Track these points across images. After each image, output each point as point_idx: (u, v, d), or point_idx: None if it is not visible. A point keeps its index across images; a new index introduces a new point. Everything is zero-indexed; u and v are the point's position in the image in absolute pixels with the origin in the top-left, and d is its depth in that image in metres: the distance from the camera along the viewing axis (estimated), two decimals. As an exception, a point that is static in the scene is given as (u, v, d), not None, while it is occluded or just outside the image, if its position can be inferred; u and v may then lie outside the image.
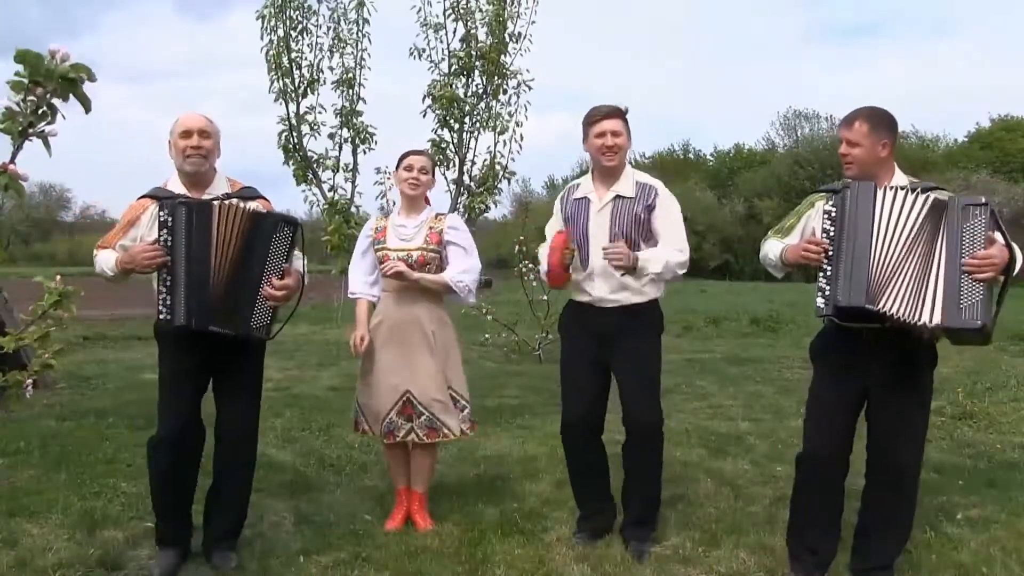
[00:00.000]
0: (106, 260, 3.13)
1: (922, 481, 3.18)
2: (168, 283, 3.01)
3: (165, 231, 3.00)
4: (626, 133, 3.50)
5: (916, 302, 2.74)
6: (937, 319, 2.72)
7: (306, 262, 3.33)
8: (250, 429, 3.37)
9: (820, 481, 3.11)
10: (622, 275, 3.36)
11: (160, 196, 3.12)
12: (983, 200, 2.77)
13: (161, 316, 3.03)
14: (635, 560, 3.34)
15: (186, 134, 3.14)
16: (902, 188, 2.84)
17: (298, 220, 3.16)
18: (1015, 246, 2.77)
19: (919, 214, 2.77)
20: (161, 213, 3.01)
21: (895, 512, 3.08)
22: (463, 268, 3.65)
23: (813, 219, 3.11)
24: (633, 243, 3.40)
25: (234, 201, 3.12)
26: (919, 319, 2.74)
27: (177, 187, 3.19)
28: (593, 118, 3.49)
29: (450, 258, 3.68)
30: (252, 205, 3.19)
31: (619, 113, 3.49)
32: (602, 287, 3.47)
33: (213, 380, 3.29)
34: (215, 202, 3.08)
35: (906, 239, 2.76)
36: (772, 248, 3.17)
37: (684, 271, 3.47)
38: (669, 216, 3.49)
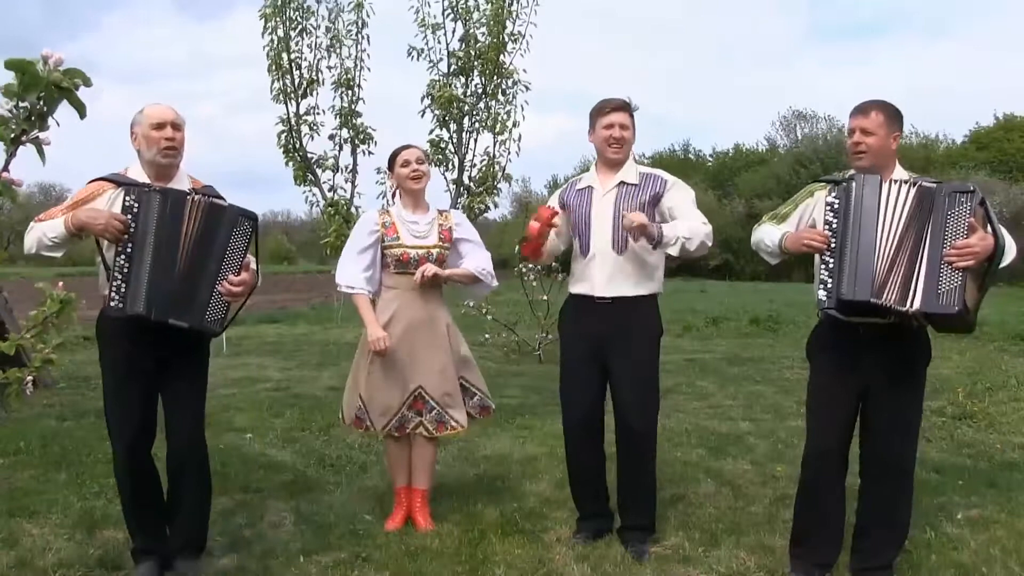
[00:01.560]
0: (48, 225, 2.93)
1: (922, 481, 3.20)
2: (126, 270, 2.90)
3: (130, 216, 2.90)
4: (632, 128, 3.54)
5: (906, 290, 2.76)
6: (917, 304, 2.74)
7: (259, 265, 3.23)
8: (198, 435, 3.23)
9: (825, 479, 3.12)
10: (654, 247, 3.36)
11: (122, 182, 3.03)
12: (971, 187, 2.78)
13: (112, 303, 2.90)
14: (635, 560, 3.34)
15: (160, 126, 3.07)
16: (905, 182, 2.85)
17: (256, 215, 3.10)
18: (1006, 236, 2.79)
19: (912, 204, 2.79)
20: (127, 198, 2.91)
21: (894, 510, 3.09)
22: (482, 258, 3.75)
23: (813, 209, 3.10)
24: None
25: (198, 195, 3.05)
26: (906, 306, 2.76)
27: (139, 176, 3.09)
28: (603, 110, 3.52)
29: (464, 252, 3.76)
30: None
31: (628, 107, 3.54)
32: (601, 272, 3.47)
33: (159, 384, 3.16)
34: (188, 193, 3.01)
35: (902, 230, 2.78)
36: (769, 233, 3.15)
37: (711, 244, 3.44)
38: (687, 198, 3.52)
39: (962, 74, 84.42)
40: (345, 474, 4.61)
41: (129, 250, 2.90)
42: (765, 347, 10.99)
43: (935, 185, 2.82)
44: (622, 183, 3.52)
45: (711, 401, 7.00)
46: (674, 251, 3.39)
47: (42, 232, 2.95)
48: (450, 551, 3.44)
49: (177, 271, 2.95)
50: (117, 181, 3.05)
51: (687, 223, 3.40)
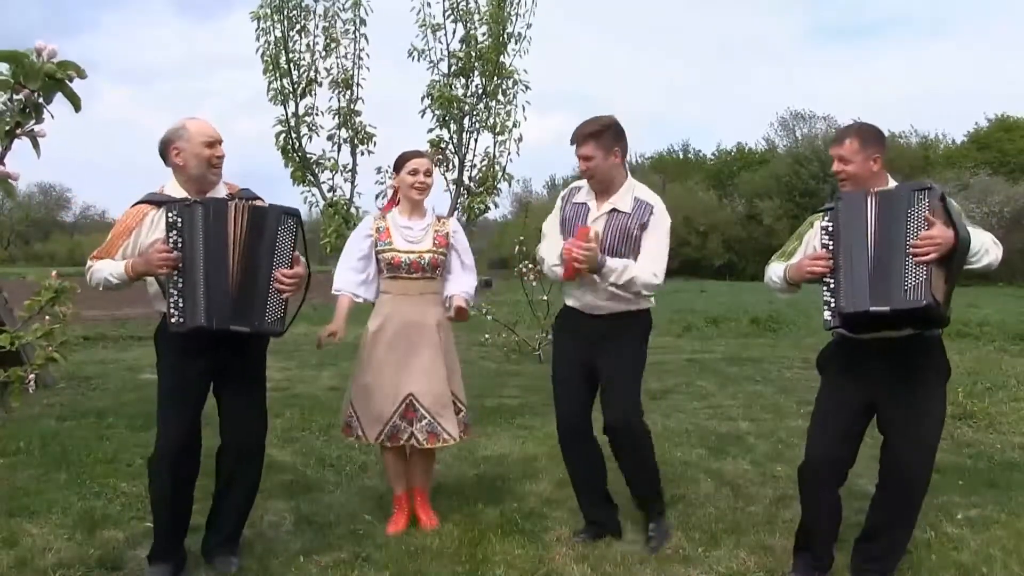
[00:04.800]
0: (110, 268, 3.06)
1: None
2: (180, 285, 2.96)
3: (174, 232, 2.96)
4: (601, 152, 3.43)
5: (885, 291, 2.77)
6: (890, 303, 2.76)
7: (307, 257, 3.28)
8: (260, 435, 3.32)
9: (817, 485, 3.12)
10: (586, 270, 3.35)
11: (160, 201, 3.09)
12: (928, 184, 2.82)
13: (173, 319, 2.97)
14: (650, 552, 3.39)
15: (212, 144, 3.13)
16: (880, 191, 2.87)
17: (299, 211, 3.16)
18: (968, 230, 2.80)
19: (878, 211, 2.81)
20: (169, 214, 2.97)
21: (899, 521, 3.09)
22: (468, 282, 3.75)
23: (814, 239, 3.13)
24: (624, 258, 3.40)
25: (238, 200, 3.11)
26: (885, 307, 2.76)
27: (176, 192, 3.15)
28: (572, 141, 3.50)
29: (453, 269, 3.75)
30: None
31: (589, 136, 3.43)
32: (594, 296, 3.50)
33: (215, 386, 3.23)
34: (229, 201, 3.06)
35: (883, 237, 2.81)
36: (775, 271, 3.18)
37: (649, 293, 3.44)
38: (654, 236, 3.45)
39: (962, 74, 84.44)
40: (345, 474, 4.61)
41: (181, 265, 2.96)
42: (765, 347, 10.99)
43: (897, 186, 2.88)
44: (614, 210, 3.46)
45: (711, 401, 6.99)
46: (603, 286, 3.41)
47: (106, 275, 3.07)
48: (450, 551, 3.44)
49: (230, 277, 3.00)
50: (157, 202, 3.11)
51: (633, 271, 3.35)
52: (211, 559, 3.28)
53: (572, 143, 3.50)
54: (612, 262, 3.35)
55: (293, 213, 3.13)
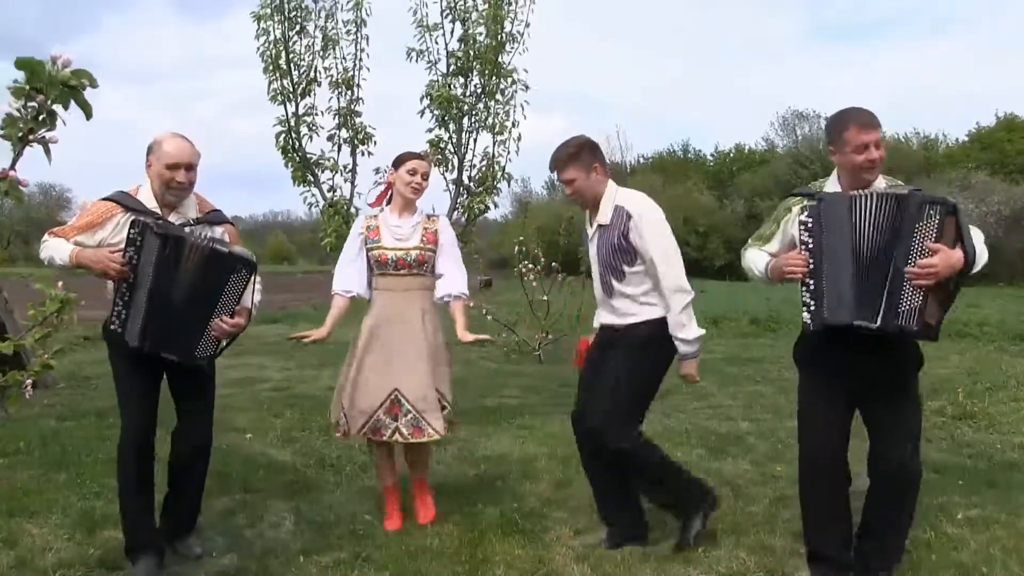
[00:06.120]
0: (59, 249, 3.09)
1: (922, 481, 3.17)
2: (126, 298, 3.03)
3: (132, 249, 3.00)
4: (583, 172, 3.42)
5: (875, 306, 2.75)
6: (879, 322, 2.75)
7: (258, 299, 3.33)
8: (210, 429, 3.38)
9: (823, 484, 3.10)
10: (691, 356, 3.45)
11: (131, 207, 3.13)
12: (942, 198, 2.73)
13: (113, 326, 3.07)
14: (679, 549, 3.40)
15: (174, 167, 3.12)
16: (876, 194, 2.80)
17: (255, 262, 3.18)
18: (975, 247, 2.75)
19: (881, 216, 2.75)
20: (131, 230, 3.01)
21: (895, 514, 3.08)
22: (460, 279, 3.77)
23: (791, 225, 3.04)
24: (617, 270, 3.41)
25: (202, 233, 3.16)
26: (874, 323, 2.76)
27: (149, 198, 3.18)
28: (551, 169, 3.54)
29: (442, 269, 3.76)
30: (218, 231, 3.26)
31: (567, 159, 3.44)
32: (601, 312, 3.60)
33: (168, 381, 3.29)
34: (188, 236, 3.08)
35: (873, 244, 2.77)
36: (756, 260, 3.15)
37: (691, 295, 3.39)
38: (651, 243, 3.35)
39: (962, 74, 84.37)
40: (345, 474, 4.61)
41: (131, 279, 3.02)
42: (765, 347, 10.98)
43: (907, 193, 2.78)
44: (600, 226, 3.46)
45: (711, 401, 6.99)
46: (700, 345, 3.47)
47: (53, 253, 3.11)
48: (450, 551, 3.44)
49: (173, 310, 3.05)
50: (127, 206, 3.14)
51: (675, 318, 3.35)
52: (175, 546, 3.38)
53: (551, 171, 3.51)
54: (680, 346, 3.40)
55: (249, 264, 3.14)
